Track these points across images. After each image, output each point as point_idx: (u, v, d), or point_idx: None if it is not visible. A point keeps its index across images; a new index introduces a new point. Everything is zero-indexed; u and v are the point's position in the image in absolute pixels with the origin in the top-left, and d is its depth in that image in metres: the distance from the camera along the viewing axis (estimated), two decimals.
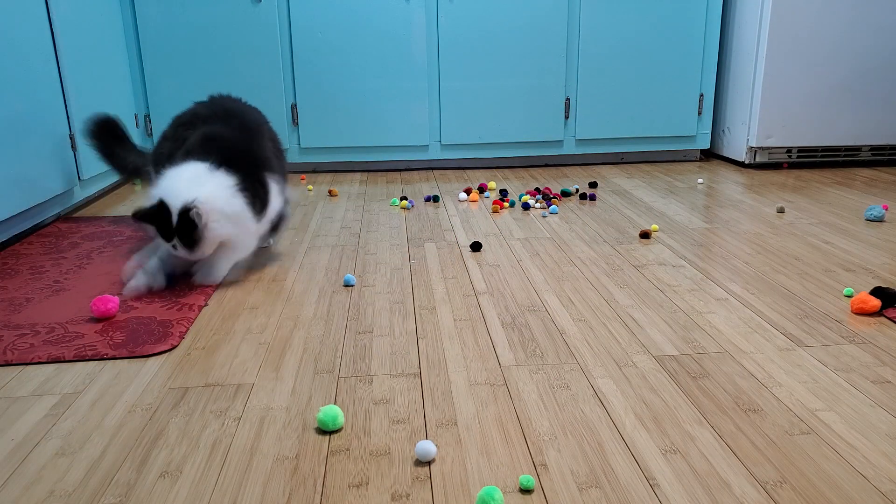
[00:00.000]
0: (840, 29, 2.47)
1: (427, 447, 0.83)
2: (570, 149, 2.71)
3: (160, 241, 1.37)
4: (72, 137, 1.98)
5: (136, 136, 2.48)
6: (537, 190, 2.22)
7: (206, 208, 1.31)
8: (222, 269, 1.43)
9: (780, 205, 2.00)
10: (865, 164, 2.62)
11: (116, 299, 1.26)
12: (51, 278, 1.46)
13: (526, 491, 0.78)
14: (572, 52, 2.60)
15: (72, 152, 1.98)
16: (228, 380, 1.04)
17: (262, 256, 1.63)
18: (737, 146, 2.69)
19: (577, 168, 2.70)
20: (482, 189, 2.28)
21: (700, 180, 2.42)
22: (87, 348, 1.13)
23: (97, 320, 1.24)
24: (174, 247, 1.34)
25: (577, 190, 2.26)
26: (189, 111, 1.55)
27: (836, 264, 1.52)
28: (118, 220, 1.95)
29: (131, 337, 1.17)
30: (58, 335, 1.18)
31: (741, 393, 0.98)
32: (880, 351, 1.11)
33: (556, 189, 2.29)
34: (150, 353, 1.12)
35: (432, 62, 2.56)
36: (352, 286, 1.42)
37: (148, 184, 1.61)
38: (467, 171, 2.66)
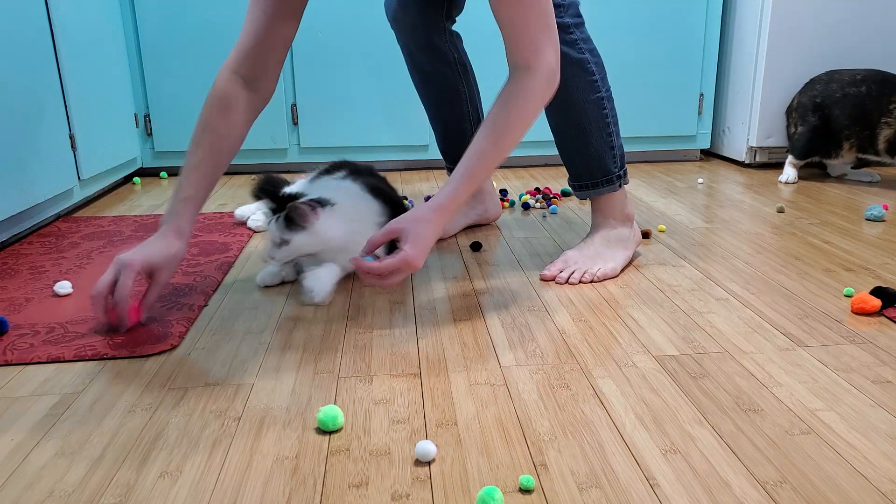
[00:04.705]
0: (840, 29, 2.47)
1: (427, 447, 0.83)
2: None
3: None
4: (72, 137, 1.98)
5: (136, 135, 2.48)
6: (537, 190, 2.21)
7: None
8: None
9: (780, 204, 2.00)
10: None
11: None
12: (51, 278, 1.46)
13: (526, 491, 0.78)
14: None
15: (72, 152, 1.98)
16: (228, 380, 1.04)
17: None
18: (737, 146, 2.69)
19: None
20: None
21: (700, 180, 2.42)
22: (87, 348, 1.13)
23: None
24: None
25: None
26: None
27: (836, 264, 1.52)
28: (118, 219, 1.95)
29: (131, 337, 1.17)
30: (58, 335, 1.18)
31: (741, 393, 0.98)
32: (880, 351, 1.11)
33: (556, 189, 2.29)
34: (150, 353, 1.12)
35: None
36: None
37: None
38: None
